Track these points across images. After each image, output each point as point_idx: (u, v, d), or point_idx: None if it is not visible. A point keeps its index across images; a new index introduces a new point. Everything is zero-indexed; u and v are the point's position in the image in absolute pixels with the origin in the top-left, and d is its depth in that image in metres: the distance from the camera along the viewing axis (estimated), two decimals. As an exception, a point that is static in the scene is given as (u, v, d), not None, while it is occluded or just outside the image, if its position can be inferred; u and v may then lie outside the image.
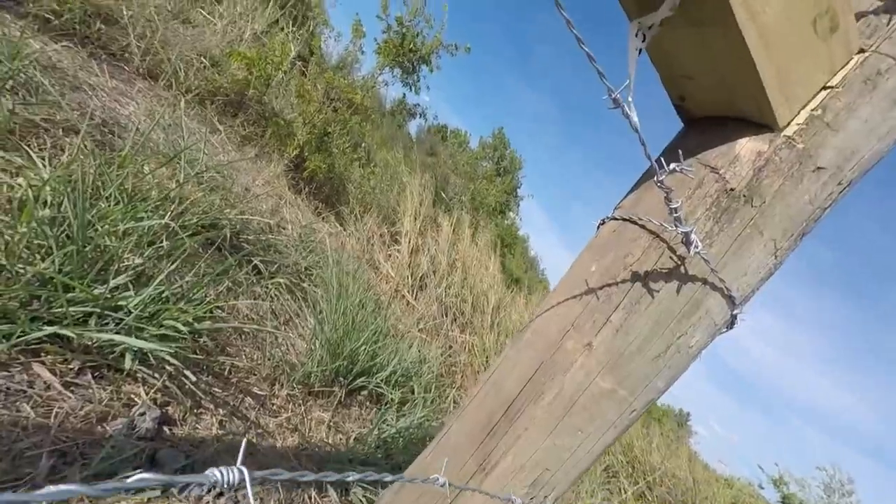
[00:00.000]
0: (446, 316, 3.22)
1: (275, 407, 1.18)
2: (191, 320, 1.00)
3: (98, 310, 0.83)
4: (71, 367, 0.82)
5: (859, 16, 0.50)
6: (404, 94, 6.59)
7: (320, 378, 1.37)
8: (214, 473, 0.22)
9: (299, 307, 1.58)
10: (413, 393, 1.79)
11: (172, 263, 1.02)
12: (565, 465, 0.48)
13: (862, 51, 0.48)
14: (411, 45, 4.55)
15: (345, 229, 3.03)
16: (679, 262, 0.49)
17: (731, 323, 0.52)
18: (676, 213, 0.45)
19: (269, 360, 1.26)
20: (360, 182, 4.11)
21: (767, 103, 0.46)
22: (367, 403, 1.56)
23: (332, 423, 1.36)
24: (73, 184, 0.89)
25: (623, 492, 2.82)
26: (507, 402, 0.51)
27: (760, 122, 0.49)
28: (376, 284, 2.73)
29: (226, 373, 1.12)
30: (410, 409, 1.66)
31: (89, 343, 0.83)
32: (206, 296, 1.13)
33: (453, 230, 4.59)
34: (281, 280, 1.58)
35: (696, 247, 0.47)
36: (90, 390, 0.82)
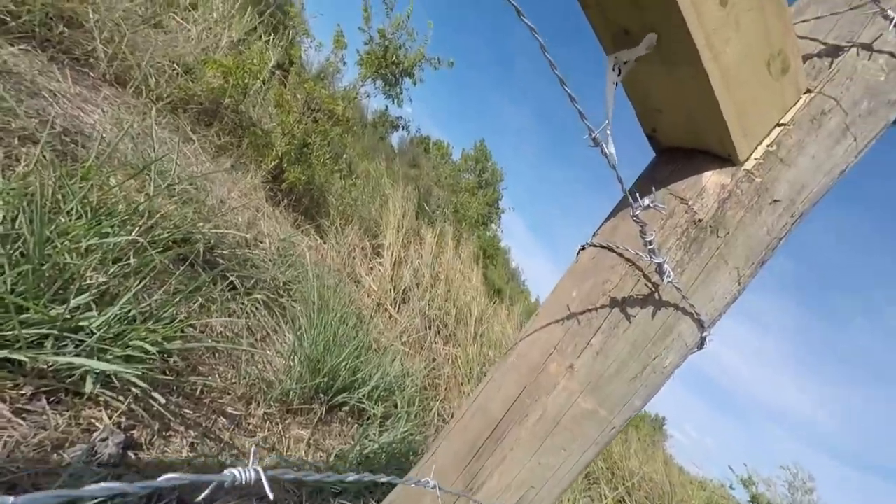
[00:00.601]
0: (430, 328, 3.19)
1: (251, 426, 1.13)
2: (160, 340, 0.94)
3: (55, 331, 0.77)
4: (23, 392, 0.75)
5: (806, 58, 0.54)
6: (387, 107, 6.61)
7: (299, 395, 1.32)
8: (232, 473, 0.24)
9: (277, 323, 1.53)
10: (396, 407, 1.75)
11: (140, 281, 0.97)
12: (549, 483, 0.48)
13: (809, 91, 0.52)
14: (394, 58, 4.56)
15: (325, 242, 2.97)
16: (653, 289, 0.50)
17: (700, 344, 0.54)
18: (650, 245, 0.47)
19: (244, 378, 1.20)
20: (341, 194, 4.05)
21: (729, 138, 0.49)
22: (349, 419, 1.51)
23: (311, 441, 1.30)
24: (29, 197, 0.83)
25: (604, 497, 2.84)
26: (492, 424, 0.51)
27: (723, 156, 0.52)
28: (358, 298, 2.67)
29: (197, 393, 1.06)
30: (393, 424, 1.62)
31: (44, 367, 0.77)
32: (176, 314, 1.07)
33: (436, 242, 4.58)
34: (258, 296, 1.52)
35: (669, 276, 0.49)
36: (44, 416, 0.76)
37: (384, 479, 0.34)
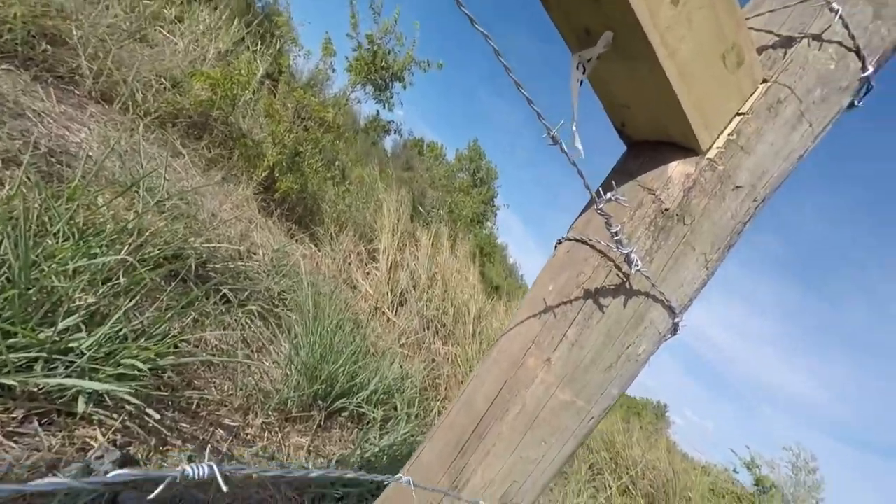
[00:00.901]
0: (428, 329, 3.19)
1: (249, 437, 1.13)
2: (152, 356, 0.94)
3: (45, 354, 0.77)
4: (14, 416, 0.75)
5: (761, 49, 0.55)
6: (378, 111, 6.59)
7: (297, 403, 1.32)
8: (185, 468, 0.24)
9: (273, 334, 1.52)
10: (396, 409, 1.75)
11: (131, 300, 0.96)
12: (532, 476, 0.49)
13: (765, 81, 0.53)
14: (383, 63, 4.53)
15: (320, 250, 2.97)
16: (624, 279, 0.51)
17: (673, 330, 0.54)
18: (617, 236, 0.48)
19: (241, 389, 1.20)
20: (335, 201, 4.04)
21: (691, 130, 0.49)
22: (349, 424, 1.51)
23: (311, 448, 1.30)
24: (14, 221, 0.83)
25: (608, 488, 2.84)
26: (476, 420, 0.51)
27: (687, 147, 0.52)
28: (354, 304, 2.67)
29: (194, 407, 1.06)
30: (394, 426, 1.62)
31: (35, 389, 0.77)
32: (169, 330, 1.07)
33: (432, 243, 4.58)
34: (253, 307, 1.52)
35: (637, 265, 0.49)
36: (37, 438, 0.76)
37: (350, 474, 0.34)
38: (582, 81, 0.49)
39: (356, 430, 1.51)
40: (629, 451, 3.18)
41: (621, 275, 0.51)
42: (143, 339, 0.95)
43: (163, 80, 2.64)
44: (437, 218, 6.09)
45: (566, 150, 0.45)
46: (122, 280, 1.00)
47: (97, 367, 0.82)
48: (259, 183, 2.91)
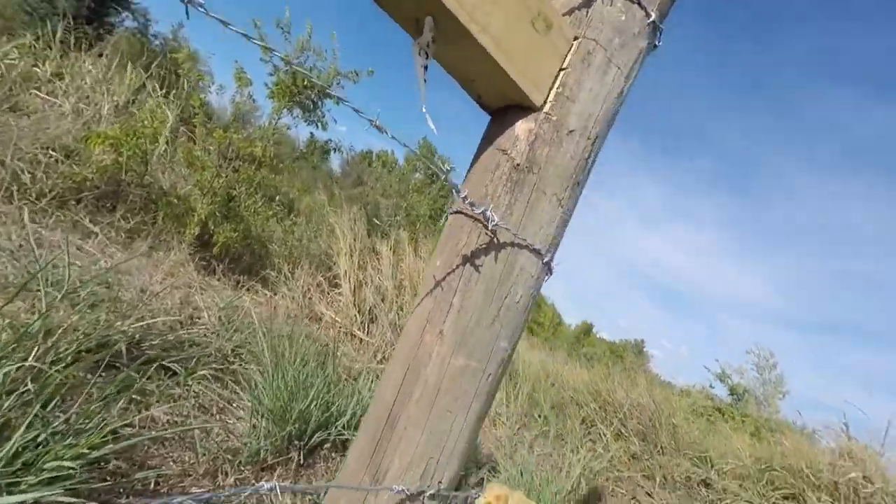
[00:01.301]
0: (404, 338, 3.15)
1: (223, 498, 1.06)
2: (84, 451, 0.86)
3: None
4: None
5: (571, 11, 0.61)
6: (311, 133, 6.32)
7: (271, 450, 1.26)
8: None
9: (232, 391, 1.44)
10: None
11: (43, 405, 0.88)
12: (447, 448, 0.50)
13: (577, 38, 0.59)
14: (305, 82, 4.26)
15: (276, 293, 2.85)
16: (492, 236, 0.54)
17: (548, 270, 0.58)
18: (466, 200, 0.51)
19: (203, 455, 1.13)
20: (284, 238, 3.89)
21: (523, 91, 0.54)
22: (333, 455, 1.46)
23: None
24: None
25: (602, 436, 2.97)
26: (387, 411, 0.52)
27: (528, 106, 0.57)
28: (321, 335, 2.59)
29: (151, 486, 0.98)
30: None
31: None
32: (103, 420, 0.98)
33: (393, 252, 4.52)
34: (203, 372, 1.43)
35: (493, 220, 0.53)
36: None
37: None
38: (426, 66, 0.52)
39: (341, 457, 1.47)
40: (614, 396, 3.34)
41: (489, 233, 0.54)
42: (70, 438, 0.87)
43: (51, 151, 2.36)
44: (395, 225, 6.02)
45: (393, 135, 0.47)
46: (31, 387, 0.90)
47: (17, 479, 0.74)
48: (193, 242, 2.73)
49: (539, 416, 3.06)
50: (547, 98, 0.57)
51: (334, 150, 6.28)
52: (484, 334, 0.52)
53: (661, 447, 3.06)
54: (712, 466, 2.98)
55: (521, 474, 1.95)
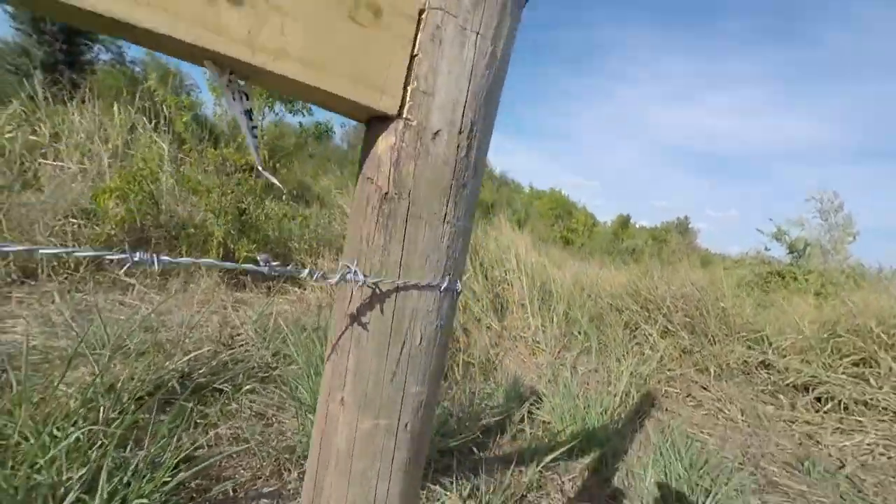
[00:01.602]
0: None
1: (291, 491, 1.26)
2: (167, 479, 1.05)
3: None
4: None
5: None
6: (300, 123, 6.14)
7: (323, 439, 1.44)
8: None
9: (279, 395, 1.62)
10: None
11: (122, 449, 1.05)
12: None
13: (422, 12, 0.43)
14: None
15: (304, 288, 3.02)
16: (374, 288, 0.47)
17: (451, 296, 0.50)
18: (318, 274, 0.43)
19: (266, 458, 1.32)
20: (301, 233, 4.00)
21: (370, 106, 0.42)
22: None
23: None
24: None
25: (649, 337, 2.96)
26: (312, 480, 0.52)
27: (385, 116, 0.45)
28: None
29: (231, 494, 1.18)
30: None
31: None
32: (177, 450, 1.16)
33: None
34: (250, 385, 1.61)
35: (357, 276, 0.45)
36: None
37: None
38: (249, 110, 0.43)
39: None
40: (655, 293, 3.24)
41: (371, 286, 0.48)
42: (148, 473, 1.05)
43: (71, 219, 2.54)
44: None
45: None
46: (104, 440, 1.08)
47: (116, 523, 0.93)
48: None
49: (579, 334, 3.08)
50: (404, 100, 0.44)
51: (325, 131, 6.04)
52: (386, 390, 0.48)
53: (712, 336, 2.99)
54: (770, 345, 2.87)
55: (563, 400, 2.02)
